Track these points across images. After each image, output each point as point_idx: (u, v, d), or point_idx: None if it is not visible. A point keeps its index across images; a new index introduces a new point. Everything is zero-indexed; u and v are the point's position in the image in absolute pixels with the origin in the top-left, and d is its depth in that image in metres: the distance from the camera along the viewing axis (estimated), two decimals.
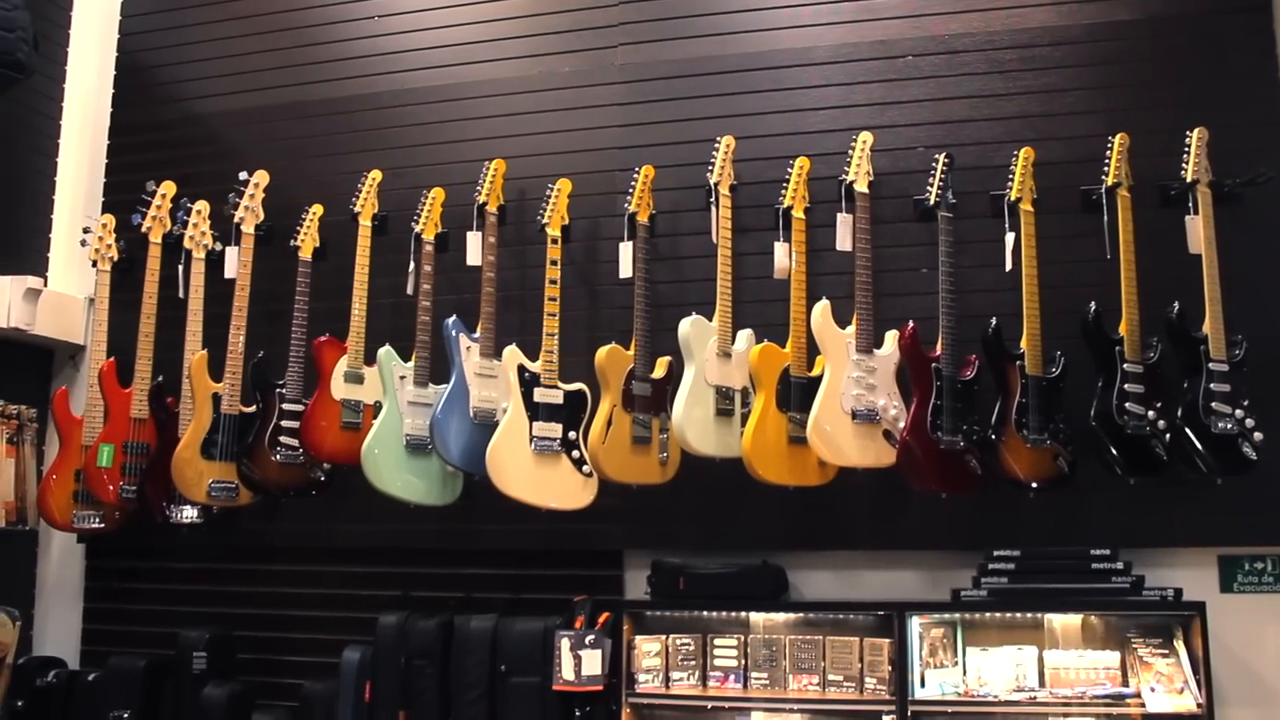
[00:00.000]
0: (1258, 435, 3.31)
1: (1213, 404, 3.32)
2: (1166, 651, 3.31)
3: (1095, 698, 3.27)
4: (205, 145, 4.51)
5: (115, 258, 4.29)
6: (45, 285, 4.40)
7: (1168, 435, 3.35)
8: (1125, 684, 3.29)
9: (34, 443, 4.28)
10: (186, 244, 4.19)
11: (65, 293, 4.51)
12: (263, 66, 4.50)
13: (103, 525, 4.13)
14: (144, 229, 4.21)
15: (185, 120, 4.57)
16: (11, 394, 4.20)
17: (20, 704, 3.97)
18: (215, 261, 4.18)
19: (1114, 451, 3.36)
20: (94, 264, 4.29)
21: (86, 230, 4.32)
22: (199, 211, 4.21)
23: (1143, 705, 3.20)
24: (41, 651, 4.31)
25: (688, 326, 3.60)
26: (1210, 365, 3.35)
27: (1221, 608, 3.39)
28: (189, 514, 4.02)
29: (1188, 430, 3.32)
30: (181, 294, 4.16)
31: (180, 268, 4.19)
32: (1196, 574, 3.48)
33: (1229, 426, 3.31)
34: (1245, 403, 3.33)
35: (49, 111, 4.63)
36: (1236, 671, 3.43)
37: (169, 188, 4.28)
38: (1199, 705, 3.15)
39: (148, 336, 4.13)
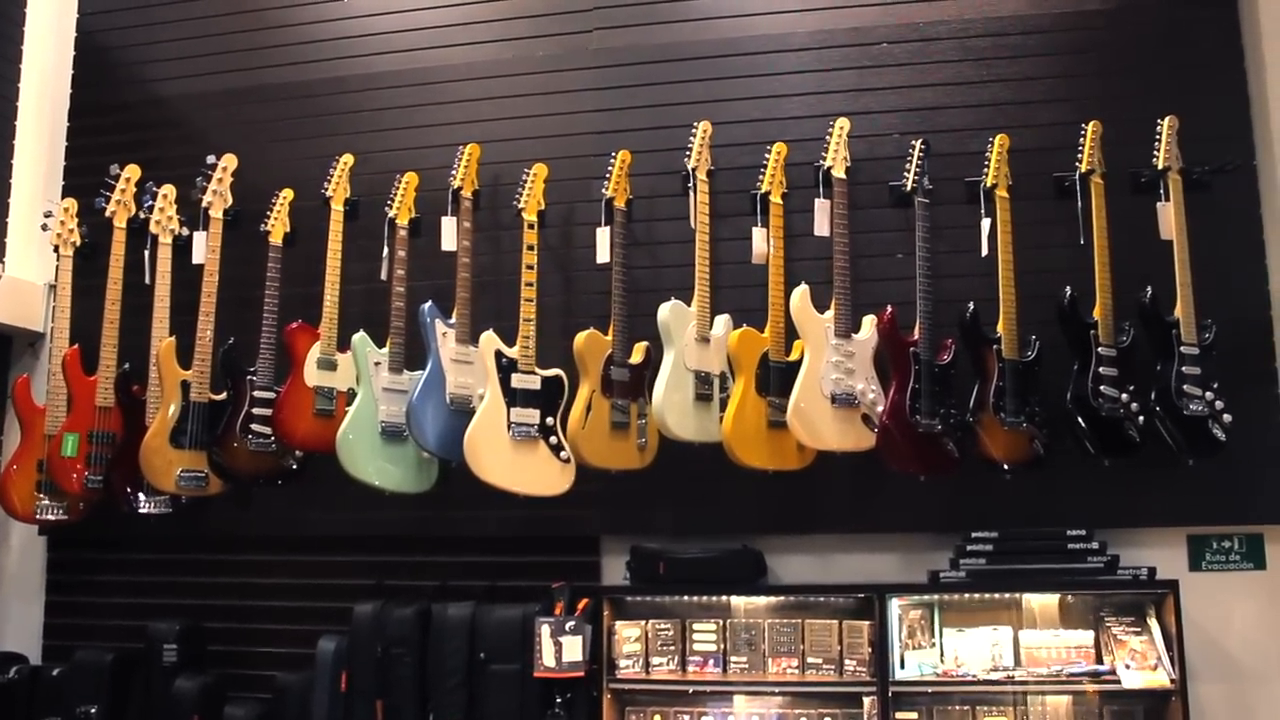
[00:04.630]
0: (1227, 417, 3.40)
1: (1184, 386, 3.39)
2: (1140, 629, 3.38)
3: (1071, 675, 3.33)
4: (171, 128, 4.42)
5: (78, 243, 4.20)
6: (3, 271, 4.30)
7: (1141, 417, 3.42)
8: (1100, 661, 3.36)
9: None
10: (152, 229, 4.10)
11: (23, 279, 4.40)
12: (231, 48, 4.42)
13: (66, 516, 4.04)
14: (108, 213, 4.13)
15: (149, 102, 4.48)
16: None
17: None
18: (182, 247, 4.11)
19: (1089, 433, 3.42)
20: (55, 249, 4.19)
21: (48, 214, 4.21)
22: (165, 196, 4.13)
23: (1118, 682, 3.26)
24: (1, 647, 4.21)
25: (667, 312, 3.60)
26: (1181, 349, 3.42)
27: (1191, 586, 3.47)
28: (157, 504, 3.95)
29: (1160, 412, 3.39)
30: (147, 280, 4.08)
31: (146, 253, 4.10)
32: (1166, 553, 3.55)
33: (1200, 409, 3.39)
34: (1215, 385, 3.41)
35: (4, 92, 4.51)
36: (1206, 648, 3.50)
37: (133, 171, 4.19)
38: (1172, 681, 3.22)
39: (112, 323, 4.04)
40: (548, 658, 3.51)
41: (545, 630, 3.53)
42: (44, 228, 4.20)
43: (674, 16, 4.10)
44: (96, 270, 4.13)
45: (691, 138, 3.76)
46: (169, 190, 4.13)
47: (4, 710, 3.92)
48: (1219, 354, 3.44)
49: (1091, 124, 3.59)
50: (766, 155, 3.75)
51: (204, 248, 4.01)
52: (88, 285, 4.13)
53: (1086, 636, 3.41)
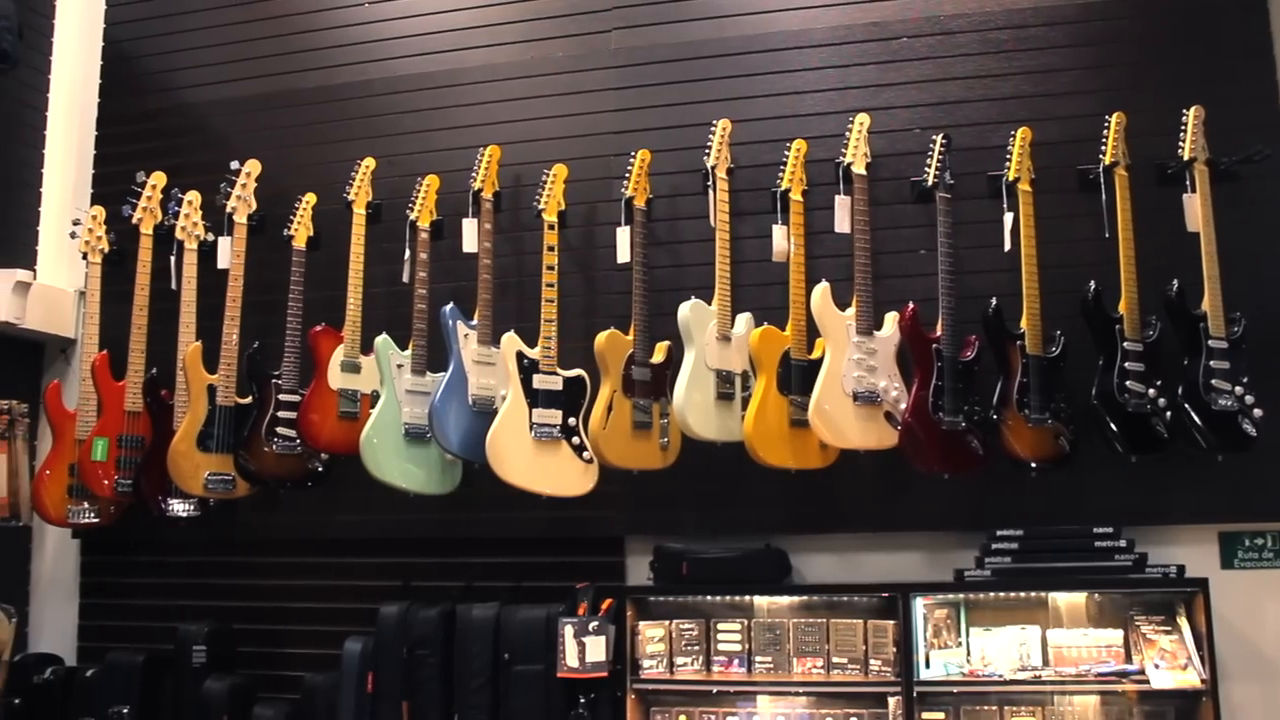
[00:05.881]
0: (1257, 412, 3.33)
1: (1213, 381, 3.33)
2: (1169, 628, 3.32)
3: (1099, 675, 3.28)
4: (195, 135, 4.46)
5: (106, 249, 4.25)
6: (35, 278, 4.35)
7: (1168, 413, 3.37)
8: (1129, 661, 3.31)
9: (26, 437, 4.20)
10: (178, 235, 4.15)
11: (55, 286, 4.46)
12: (253, 54, 4.45)
13: (98, 520, 4.09)
14: (135, 220, 4.18)
15: (175, 109, 4.52)
16: (2, 389, 4.13)
17: (18, 701, 3.92)
18: (208, 252, 4.15)
19: (1115, 430, 3.37)
20: (84, 256, 4.25)
21: (76, 222, 4.27)
22: (190, 202, 4.17)
23: (1147, 682, 3.22)
24: (37, 648, 4.27)
25: (687, 310, 3.59)
26: (1210, 343, 3.36)
27: (1223, 584, 3.39)
28: (185, 507, 3.99)
29: (1188, 408, 3.34)
30: (174, 285, 4.12)
31: (172, 259, 4.15)
32: (1197, 551, 3.49)
33: (1229, 404, 3.33)
34: (1245, 380, 3.35)
35: (34, 102, 4.58)
36: (1238, 647, 3.44)
37: (159, 178, 4.23)
38: (1203, 681, 3.16)
39: (140, 328, 4.08)
40: (571, 658, 3.51)
41: (568, 631, 3.53)
42: (73, 235, 4.26)
43: (693, 15, 4.08)
44: (125, 276, 4.17)
45: (711, 136, 3.74)
46: (194, 196, 4.17)
47: (40, 710, 3.97)
48: (1248, 347, 3.38)
49: (1115, 115, 3.54)
50: (787, 152, 3.72)
51: (229, 253, 4.05)
52: (116, 291, 4.18)
53: (1116, 636, 3.36)
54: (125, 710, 3.87)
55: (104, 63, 4.68)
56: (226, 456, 3.89)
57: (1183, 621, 3.32)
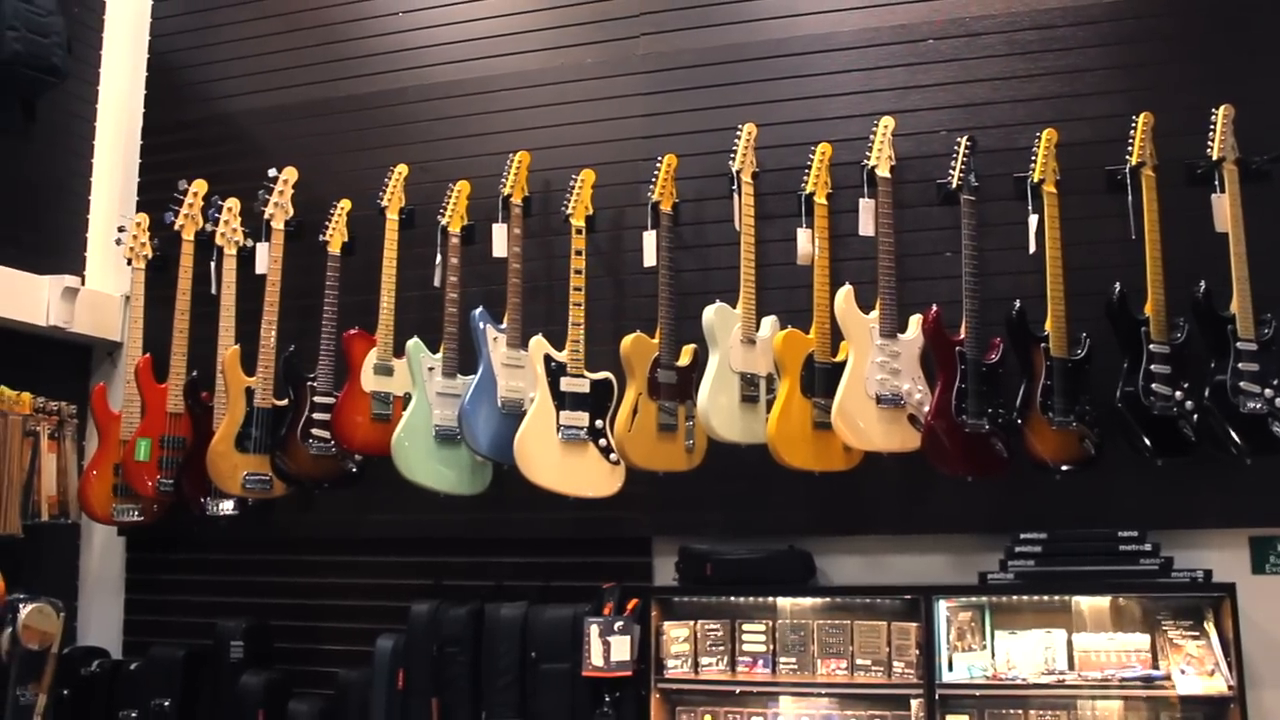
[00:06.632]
0: None
1: (1241, 384, 3.29)
2: (1197, 633, 3.29)
3: (1125, 680, 3.26)
4: (235, 143, 4.58)
5: (149, 255, 4.37)
6: (83, 284, 4.49)
7: (1195, 416, 3.33)
8: (1155, 666, 3.28)
9: (74, 438, 4.35)
10: (218, 241, 4.26)
11: (102, 291, 4.60)
12: (291, 64, 4.56)
13: (142, 518, 4.21)
14: (177, 227, 4.29)
15: (216, 119, 4.65)
16: (52, 391, 4.27)
17: (66, 692, 4.04)
18: (246, 258, 4.26)
19: (1141, 433, 3.35)
20: (129, 262, 4.37)
21: (121, 229, 4.40)
22: (230, 209, 4.28)
23: (1173, 687, 3.19)
24: (85, 642, 4.41)
25: (712, 314, 3.62)
26: (1238, 345, 3.31)
27: (1253, 589, 3.36)
28: (225, 506, 4.09)
29: (1216, 411, 3.30)
30: (214, 290, 4.23)
31: (213, 264, 4.26)
32: (1227, 555, 3.44)
33: (1258, 406, 3.29)
34: (1274, 382, 3.30)
35: (83, 113, 4.72)
36: (1267, 653, 3.38)
37: (200, 186, 4.35)
38: (1230, 687, 3.12)
39: (182, 332, 4.20)
40: (596, 657, 3.55)
41: (594, 630, 3.57)
42: (118, 242, 4.40)
43: (720, 20, 4.10)
44: (167, 282, 4.29)
45: (736, 140, 3.76)
46: (234, 203, 4.28)
47: (86, 701, 4.10)
48: (1278, 350, 3.33)
49: (1143, 115, 3.50)
50: (812, 156, 3.74)
51: (266, 258, 4.15)
52: (159, 296, 4.30)
53: (1143, 640, 3.33)
54: (166, 703, 3.98)
55: (149, 74, 4.82)
56: (264, 457, 3.98)
57: (1210, 627, 3.28)
